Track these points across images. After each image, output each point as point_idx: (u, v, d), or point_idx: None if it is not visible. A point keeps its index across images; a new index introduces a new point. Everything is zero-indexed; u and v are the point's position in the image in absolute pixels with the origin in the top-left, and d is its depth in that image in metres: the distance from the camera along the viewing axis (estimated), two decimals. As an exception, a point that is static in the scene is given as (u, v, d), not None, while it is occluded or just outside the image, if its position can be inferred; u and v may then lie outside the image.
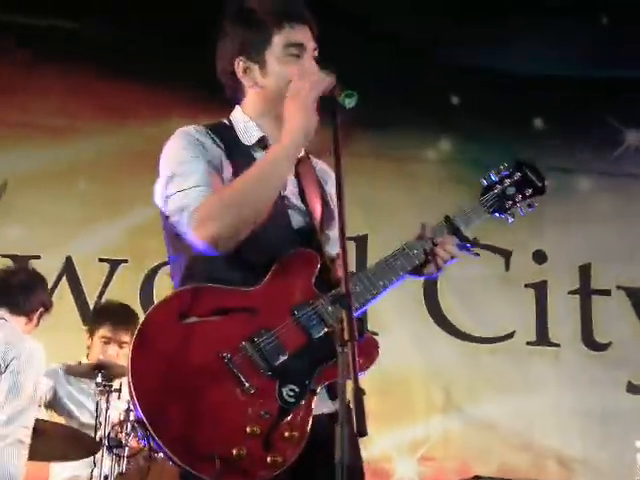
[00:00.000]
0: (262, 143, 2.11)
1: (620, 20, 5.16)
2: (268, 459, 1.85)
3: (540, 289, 5.34)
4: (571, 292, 5.37)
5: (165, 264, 5.13)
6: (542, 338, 5.29)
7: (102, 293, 5.06)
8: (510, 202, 2.20)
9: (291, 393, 1.90)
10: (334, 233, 2.14)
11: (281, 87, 2.06)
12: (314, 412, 1.93)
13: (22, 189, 5.11)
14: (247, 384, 1.88)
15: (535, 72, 5.32)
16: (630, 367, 5.27)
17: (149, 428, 1.82)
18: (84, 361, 4.13)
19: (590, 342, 5.33)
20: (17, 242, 5.06)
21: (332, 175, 2.16)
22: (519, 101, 5.34)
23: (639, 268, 5.33)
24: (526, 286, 5.34)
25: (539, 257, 5.38)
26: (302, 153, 2.16)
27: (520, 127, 5.42)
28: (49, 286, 4.98)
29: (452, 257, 2.10)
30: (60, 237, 5.12)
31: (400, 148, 5.34)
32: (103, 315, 4.23)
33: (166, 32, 5.09)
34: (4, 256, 5.02)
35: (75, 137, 5.18)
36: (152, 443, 1.84)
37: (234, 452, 1.83)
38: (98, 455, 3.65)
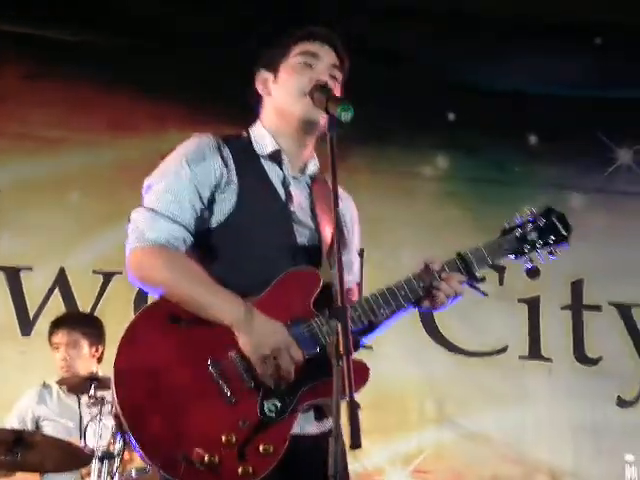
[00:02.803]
0: (275, 156, 2.15)
1: (613, 41, 5.21)
2: (239, 469, 1.86)
3: (533, 304, 5.37)
4: (563, 307, 5.40)
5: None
6: (534, 352, 5.32)
7: (95, 305, 5.05)
8: (529, 246, 2.13)
9: (272, 408, 1.91)
10: (347, 257, 2.17)
11: (287, 95, 2.12)
12: (298, 431, 1.94)
13: (15, 200, 5.10)
14: (228, 393, 1.89)
15: (530, 90, 5.37)
16: (620, 382, 5.29)
17: (124, 424, 1.85)
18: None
19: (581, 357, 5.35)
20: (9, 253, 5.05)
21: (347, 201, 2.24)
22: (514, 118, 5.38)
23: (630, 284, 5.36)
24: (519, 301, 5.36)
25: (532, 273, 5.39)
26: (315, 170, 2.20)
27: (515, 144, 5.45)
28: (41, 297, 5.04)
29: (456, 294, 2.06)
30: (53, 248, 5.10)
31: (397, 164, 5.37)
32: (51, 327, 4.25)
33: (164, 45, 5.12)
34: (-5, 267, 5.02)
35: (70, 148, 5.18)
36: (127, 439, 1.87)
37: (206, 458, 1.84)
38: (90, 467, 3.64)
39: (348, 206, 2.27)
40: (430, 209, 5.25)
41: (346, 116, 1.91)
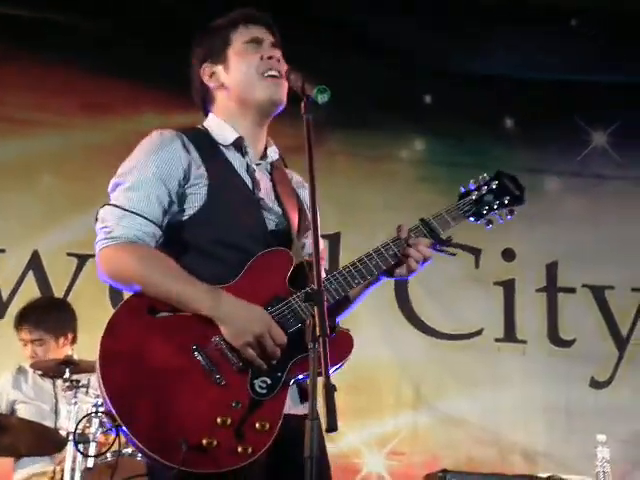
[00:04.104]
0: (237, 144, 2.18)
1: (589, 24, 5.23)
2: (239, 449, 1.87)
3: (508, 287, 5.41)
4: (538, 290, 5.45)
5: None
6: (510, 335, 5.36)
7: (70, 288, 5.01)
8: (487, 208, 2.20)
9: (263, 385, 1.93)
10: (309, 240, 2.20)
11: (244, 79, 2.15)
12: (287, 412, 1.96)
13: (-12, 182, 5.05)
14: (217, 376, 1.91)
15: (506, 73, 5.39)
16: (593, 363, 5.36)
17: (117, 417, 1.85)
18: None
19: (555, 339, 5.41)
20: (-18, 235, 5.00)
21: (307, 186, 2.21)
22: (491, 101, 5.41)
23: (604, 267, 5.41)
24: (495, 284, 5.41)
25: (508, 255, 5.45)
26: (276, 157, 2.24)
27: (491, 127, 5.48)
28: (14, 280, 4.98)
29: (425, 259, 2.11)
30: (27, 231, 5.06)
31: (374, 147, 5.37)
32: (15, 321, 4.18)
33: (142, 29, 5.06)
34: (-33, 249, 4.96)
35: (44, 131, 5.13)
36: (121, 434, 1.86)
37: (204, 441, 1.85)
38: (65, 451, 3.62)
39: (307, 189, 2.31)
40: (407, 193, 5.26)
41: (323, 98, 1.93)
